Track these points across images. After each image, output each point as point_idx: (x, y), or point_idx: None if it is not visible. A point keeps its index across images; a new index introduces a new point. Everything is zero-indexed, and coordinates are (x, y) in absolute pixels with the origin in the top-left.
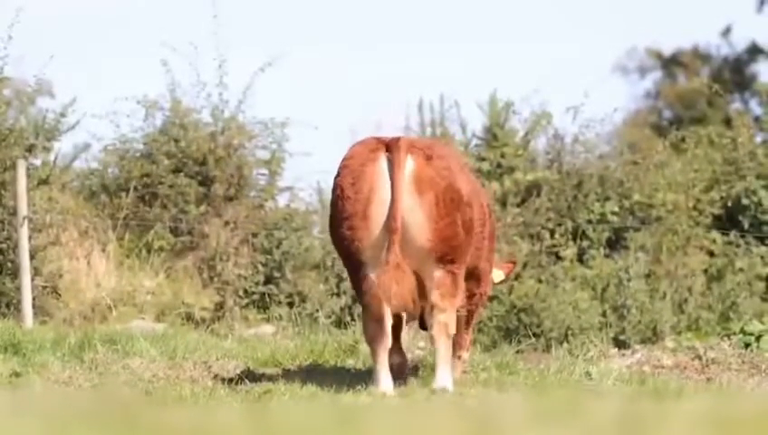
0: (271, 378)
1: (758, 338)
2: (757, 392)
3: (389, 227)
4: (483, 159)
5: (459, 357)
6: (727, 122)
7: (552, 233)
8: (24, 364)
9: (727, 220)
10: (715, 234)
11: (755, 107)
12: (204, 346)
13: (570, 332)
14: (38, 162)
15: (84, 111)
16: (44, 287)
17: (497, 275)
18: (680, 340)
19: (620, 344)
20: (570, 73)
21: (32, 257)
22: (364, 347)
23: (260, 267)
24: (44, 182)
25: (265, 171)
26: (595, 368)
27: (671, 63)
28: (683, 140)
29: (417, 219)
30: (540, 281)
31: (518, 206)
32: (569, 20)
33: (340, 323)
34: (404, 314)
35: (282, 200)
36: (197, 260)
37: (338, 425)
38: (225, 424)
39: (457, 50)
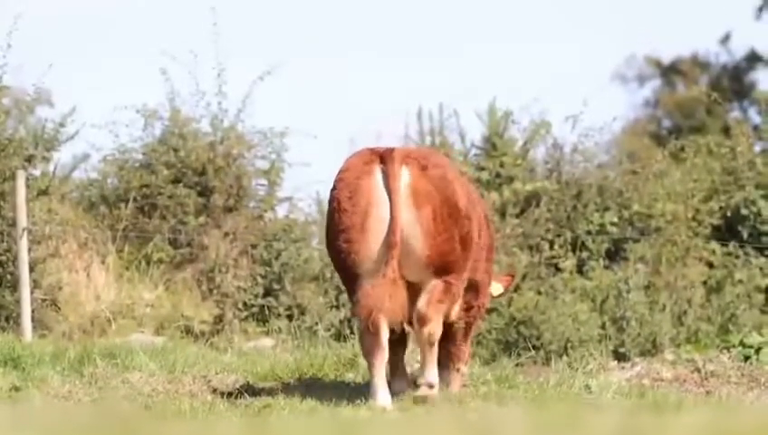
0: (270, 392)
1: (757, 350)
2: (756, 405)
3: (389, 241)
4: (482, 169)
5: (458, 370)
6: (726, 131)
7: (552, 244)
8: (24, 378)
9: (726, 231)
10: (715, 245)
11: (754, 115)
12: (203, 360)
13: (569, 344)
14: (37, 173)
15: (84, 121)
16: (44, 300)
17: (496, 288)
18: (680, 352)
19: (620, 357)
20: (568, 82)
21: (31, 270)
22: (364, 360)
23: (259, 279)
24: (44, 193)
25: (265, 181)
26: (595, 381)
27: (670, 72)
28: (682, 149)
29: (415, 233)
30: (539, 293)
31: (517, 216)
32: (567, 29)
33: (339, 337)
34: (408, 330)
35: (281, 211)
36: (197, 272)
37: None
38: None
39: (456, 59)
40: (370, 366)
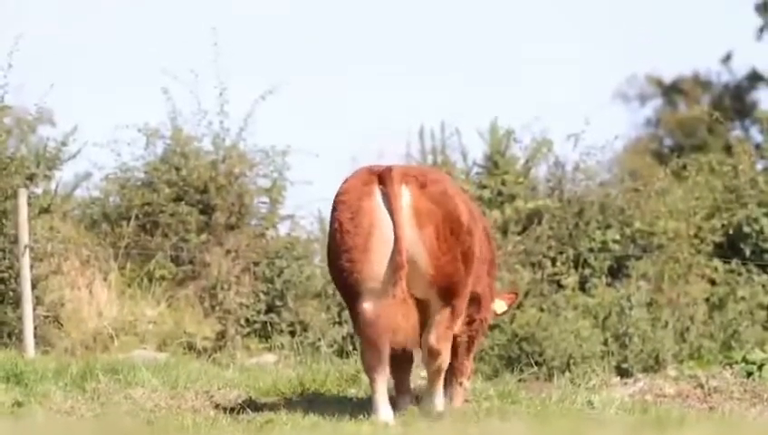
0: (273, 407)
1: (760, 367)
2: (759, 422)
3: (396, 262)
4: (484, 187)
5: (461, 384)
6: (728, 150)
7: (554, 261)
8: (27, 394)
9: (729, 248)
10: (717, 262)
11: (756, 134)
12: (205, 376)
13: (572, 360)
14: (39, 191)
15: (85, 140)
16: (46, 317)
17: (500, 305)
18: (682, 368)
19: (623, 373)
20: (570, 101)
21: (33, 287)
22: (366, 376)
23: (261, 296)
24: (46, 211)
25: (266, 200)
26: (597, 397)
27: (671, 91)
28: (684, 167)
29: (419, 253)
30: (542, 309)
31: (519, 234)
32: (569, 48)
33: (342, 353)
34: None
35: (283, 229)
36: (199, 289)
37: None
38: None
39: (458, 78)
40: (372, 382)
